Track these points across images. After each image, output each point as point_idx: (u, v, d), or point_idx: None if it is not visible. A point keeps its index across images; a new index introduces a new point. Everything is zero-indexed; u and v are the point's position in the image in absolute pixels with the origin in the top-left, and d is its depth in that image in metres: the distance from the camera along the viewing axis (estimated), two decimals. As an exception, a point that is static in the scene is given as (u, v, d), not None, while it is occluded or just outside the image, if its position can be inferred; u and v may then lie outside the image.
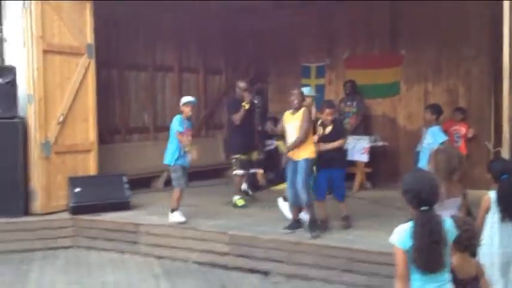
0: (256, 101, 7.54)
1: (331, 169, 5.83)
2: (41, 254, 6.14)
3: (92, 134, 7.16)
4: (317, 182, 5.96)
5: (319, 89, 9.95)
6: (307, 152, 5.61)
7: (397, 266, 2.76)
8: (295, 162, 5.60)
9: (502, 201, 4.01)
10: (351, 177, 8.07)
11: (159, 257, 5.99)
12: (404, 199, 2.85)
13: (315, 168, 5.90)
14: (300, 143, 5.56)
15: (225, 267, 5.69)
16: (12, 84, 6.52)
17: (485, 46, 8.22)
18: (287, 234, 5.65)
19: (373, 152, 8.31)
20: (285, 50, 10.10)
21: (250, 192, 7.58)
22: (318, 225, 5.58)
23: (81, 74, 6.98)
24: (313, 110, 6.48)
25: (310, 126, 5.69)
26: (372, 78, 9.34)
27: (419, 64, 8.99)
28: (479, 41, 8.38)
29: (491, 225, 4.07)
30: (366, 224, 6.12)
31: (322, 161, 5.86)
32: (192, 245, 5.90)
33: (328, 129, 5.87)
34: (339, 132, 5.93)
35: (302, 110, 5.65)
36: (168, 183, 8.52)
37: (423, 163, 5.87)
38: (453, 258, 2.91)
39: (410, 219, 2.81)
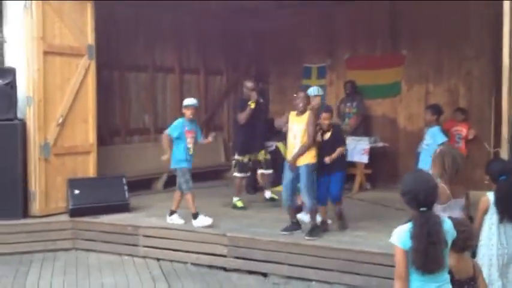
0: (261, 101, 7.44)
1: (331, 174, 5.79)
2: (40, 256, 6.14)
3: (92, 136, 7.14)
4: (318, 187, 5.91)
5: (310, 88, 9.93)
6: (308, 157, 5.58)
7: (397, 266, 2.77)
8: (296, 168, 5.57)
9: (500, 202, 4.00)
10: (350, 178, 8.06)
11: (158, 259, 5.99)
12: (403, 200, 2.86)
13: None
14: (306, 149, 5.53)
15: (224, 268, 5.68)
16: (12, 86, 6.52)
17: (486, 46, 8.19)
18: (285, 235, 5.63)
19: (373, 153, 8.29)
20: (285, 51, 10.09)
21: (271, 197, 7.37)
22: (318, 232, 5.56)
23: (81, 75, 6.98)
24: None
25: (315, 130, 5.66)
26: (372, 78, 9.32)
27: (420, 64, 8.96)
28: (480, 41, 8.35)
29: (490, 226, 4.06)
30: (366, 225, 6.10)
31: (322, 167, 5.82)
32: (191, 247, 5.90)
33: (327, 135, 5.80)
34: (338, 138, 5.85)
35: (307, 113, 5.61)
36: (168, 184, 8.55)
37: (423, 164, 5.86)
38: (450, 259, 2.90)
39: (410, 220, 2.81)
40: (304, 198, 5.57)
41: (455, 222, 3.01)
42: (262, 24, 9.93)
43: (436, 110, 6.42)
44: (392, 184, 8.16)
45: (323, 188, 5.82)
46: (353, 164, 8.04)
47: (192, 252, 5.87)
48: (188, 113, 6.20)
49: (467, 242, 3.08)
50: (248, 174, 7.54)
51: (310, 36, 9.83)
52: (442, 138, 5.98)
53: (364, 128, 8.94)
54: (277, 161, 7.48)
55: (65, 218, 6.59)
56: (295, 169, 5.58)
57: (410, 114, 9.11)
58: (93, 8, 7.04)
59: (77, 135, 6.99)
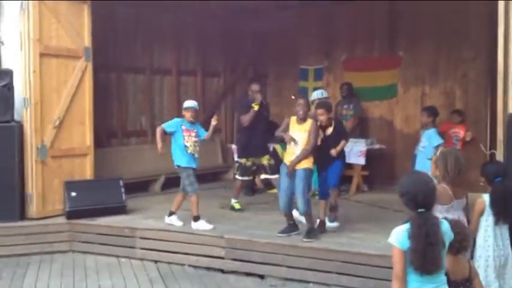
0: (264, 103, 7.39)
1: (332, 163, 5.85)
2: (37, 259, 6.13)
3: (89, 138, 7.14)
4: (319, 182, 6.01)
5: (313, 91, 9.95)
6: (307, 162, 5.60)
7: (395, 267, 2.78)
8: (294, 171, 5.58)
9: (495, 204, 4.02)
10: (347, 180, 8.07)
11: (156, 261, 5.98)
12: (401, 201, 2.88)
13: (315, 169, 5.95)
14: (305, 156, 5.55)
15: (222, 270, 5.68)
16: (9, 88, 6.51)
17: (483, 48, 8.22)
18: (282, 238, 5.64)
19: (369, 154, 8.31)
20: (284, 52, 10.10)
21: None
22: (315, 234, 5.57)
23: (78, 77, 6.97)
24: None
25: (317, 139, 5.67)
26: (369, 80, 9.34)
27: (417, 66, 8.99)
28: (477, 43, 8.38)
29: (486, 228, 4.09)
30: (363, 226, 6.11)
31: (321, 162, 5.87)
32: (189, 249, 5.89)
33: (329, 130, 5.85)
34: (340, 133, 5.91)
35: (310, 122, 5.61)
36: (165, 186, 8.56)
37: (420, 166, 5.89)
38: (446, 260, 2.92)
39: (406, 221, 2.83)
40: (299, 201, 5.57)
41: (451, 224, 3.03)
42: (260, 25, 9.94)
43: (432, 112, 6.44)
44: (389, 186, 8.21)
45: (323, 183, 5.90)
46: (350, 166, 8.05)
47: (190, 254, 5.86)
48: (188, 115, 6.20)
49: (462, 243, 3.10)
50: (250, 178, 7.53)
51: (309, 37, 9.84)
52: (438, 141, 6.00)
53: (361, 130, 8.96)
54: (275, 163, 7.47)
55: (61, 220, 6.57)
56: (292, 174, 5.59)
57: (406, 116, 9.14)
58: (90, 10, 7.04)
59: (73, 138, 6.98)
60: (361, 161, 8.16)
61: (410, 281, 2.79)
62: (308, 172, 5.58)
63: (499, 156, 4.79)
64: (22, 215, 6.49)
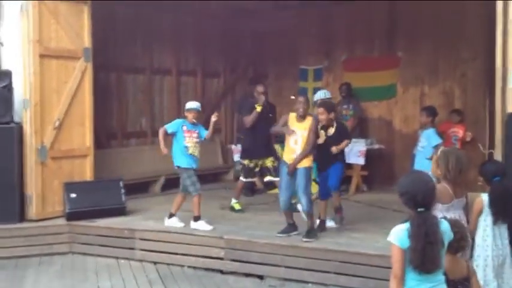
0: (265, 104, 7.37)
1: (330, 166, 5.87)
2: (36, 260, 6.14)
3: (89, 139, 7.14)
4: (319, 183, 6.03)
5: (317, 92, 9.94)
6: (307, 160, 5.62)
7: (394, 265, 2.79)
8: (295, 170, 5.60)
9: (494, 203, 4.02)
10: (347, 180, 8.07)
11: (155, 262, 5.99)
12: (401, 200, 2.88)
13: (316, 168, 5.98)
14: (305, 156, 5.56)
15: (221, 271, 5.69)
16: (9, 89, 6.52)
17: (482, 48, 8.22)
18: (281, 238, 5.65)
19: (369, 154, 8.31)
20: (283, 52, 10.11)
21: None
22: (315, 233, 5.57)
23: (77, 78, 6.97)
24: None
25: (316, 137, 5.69)
26: (369, 80, 9.34)
27: (416, 66, 8.99)
28: (476, 43, 8.38)
29: (484, 227, 4.09)
30: (362, 226, 6.12)
31: (321, 163, 5.89)
32: (188, 250, 5.89)
33: (331, 131, 5.86)
34: (342, 133, 5.91)
35: (310, 119, 5.62)
36: (165, 187, 8.57)
37: (419, 166, 5.88)
38: (445, 260, 2.92)
39: (406, 220, 2.84)
40: (301, 200, 5.58)
41: (450, 224, 3.03)
42: (260, 25, 9.94)
43: (431, 111, 6.44)
44: (389, 186, 8.21)
45: (323, 183, 5.92)
46: (349, 166, 8.05)
47: (189, 255, 5.87)
48: (190, 116, 6.19)
49: (460, 242, 3.11)
50: (254, 179, 7.52)
51: (309, 38, 9.85)
52: (437, 140, 5.99)
53: (360, 130, 8.97)
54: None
55: (61, 221, 6.58)
56: (293, 173, 5.60)
57: (406, 116, 9.14)
58: (90, 11, 7.05)
59: (73, 139, 6.99)
60: (361, 161, 8.16)
61: (408, 280, 2.80)
62: (308, 170, 5.62)
63: (498, 155, 4.79)
64: (22, 217, 6.49)
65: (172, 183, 8.51)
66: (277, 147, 8.13)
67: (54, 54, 6.73)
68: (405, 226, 2.80)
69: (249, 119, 7.10)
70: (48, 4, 6.63)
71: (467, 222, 3.98)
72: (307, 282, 5.29)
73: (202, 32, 9.83)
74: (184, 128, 6.17)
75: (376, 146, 8.66)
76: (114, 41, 8.68)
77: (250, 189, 8.24)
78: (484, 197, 4.08)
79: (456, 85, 8.72)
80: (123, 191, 6.85)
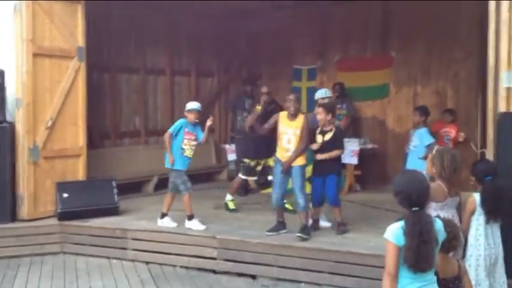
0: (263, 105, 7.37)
1: (325, 175, 5.80)
2: (28, 260, 6.10)
3: (82, 139, 7.11)
4: (313, 188, 5.97)
5: (311, 91, 9.96)
6: (301, 159, 5.63)
7: (388, 263, 2.80)
8: (286, 169, 5.61)
9: (486, 203, 4.04)
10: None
11: (147, 262, 5.97)
12: (396, 200, 2.90)
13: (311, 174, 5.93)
14: (299, 154, 5.56)
15: (214, 271, 5.68)
16: (1, 88, 6.47)
17: (474, 48, 8.26)
18: (271, 236, 5.65)
19: (362, 154, 8.32)
20: (277, 52, 10.11)
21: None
22: (308, 232, 5.57)
23: (71, 77, 6.94)
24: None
25: (309, 134, 5.68)
26: (362, 80, 9.36)
27: (409, 66, 9.02)
28: (468, 43, 8.42)
29: (477, 227, 4.10)
30: (355, 226, 6.12)
31: (317, 167, 5.86)
32: (180, 250, 5.88)
33: (328, 136, 5.81)
34: (337, 141, 5.82)
35: (302, 117, 5.61)
36: (158, 187, 8.54)
37: (411, 165, 5.89)
38: (437, 259, 2.93)
39: (400, 219, 2.85)
40: (298, 198, 5.58)
41: (443, 223, 3.04)
42: (254, 25, 9.94)
43: (424, 111, 6.46)
44: (382, 185, 8.23)
45: (316, 189, 5.86)
46: (343, 166, 8.04)
47: (182, 255, 5.85)
48: (192, 117, 6.16)
49: (452, 242, 3.11)
50: (254, 178, 7.50)
51: (302, 38, 9.86)
52: (430, 140, 6.01)
53: (353, 129, 8.98)
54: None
55: (53, 221, 6.54)
56: (287, 171, 5.62)
57: (399, 116, 9.16)
58: (84, 10, 7.03)
59: (66, 138, 6.96)
60: (354, 160, 8.16)
61: (401, 278, 2.81)
62: (303, 168, 5.64)
63: (489, 155, 4.80)
64: (13, 217, 6.45)
65: (165, 183, 8.39)
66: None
67: (47, 53, 6.70)
68: (400, 224, 2.82)
69: (249, 119, 7.13)
70: (42, 3, 6.60)
71: (460, 221, 4.00)
72: (300, 282, 5.29)
73: (196, 32, 9.82)
74: (186, 130, 6.14)
75: (370, 146, 8.67)
76: (108, 41, 8.66)
77: (243, 189, 8.23)
78: (477, 197, 4.09)
79: (449, 85, 8.76)
80: (115, 190, 6.83)
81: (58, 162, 6.86)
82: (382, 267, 3.14)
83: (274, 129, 5.87)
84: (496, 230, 4.11)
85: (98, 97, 8.38)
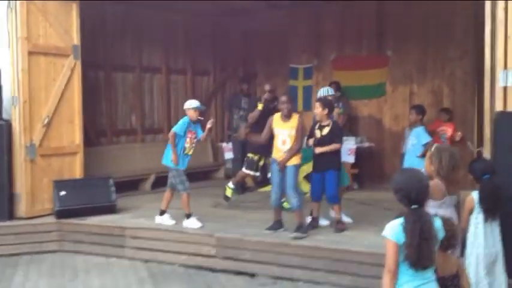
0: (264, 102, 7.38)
1: (324, 171, 5.83)
2: (26, 258, 6.10)
3: (78, 136, 7.11)
4: (312, 183, 6.01)
5: (307, 90, 9.99)
6: (297, 158, 5.66)
7: (388, 260, 2.81)
8: (282, 168, 5.64)
9: (484, 201, 4.06)
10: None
11: (146, 261, 5.97)
12: (395, 197, 2.92)
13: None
14: (294, 154, 5.59)
15: (212, 269, 5.68)
16: (-2, 86, 6.48)
17: (470, 47, 8.30)
18: (269, 234, 5.67)
19: (359, 152, 8.35)
20: (273, 51, 10.13)
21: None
22: (304, 230, 5.59)
23: (66, 75, 6.94)
24: (336, 109, 6.52)
25: (304, 133, 5.72)
26: (358, 79, 9.39)
27: (405, 65, 9.06)
28: (464, 42, 8.46)
29: (476, 225, 4.12)
30: (353, 224, 6.14)
31: (316, 162, 5.90)
32: (179, 248, 5.89)
33: (325, 130, 5.85)
34: (335, 135, 5.85)
35: (296, 117, 5.65)
36: (155, 185, 8.55)
37: (408, 163, 5.91)
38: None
39: (397, 216, 2.87)
40: (290, 197, 5.61)
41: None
42: (251, 24, 9.95)
43: (421, 110, 6.48)
44: (379, 184, 8.27)
45: (315, 185, 5.90)
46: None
47: (180, 253, 5.86)
48: (196, 114, 6.15)
49: (450, 241, 3.14)
50: (257, 174, 7.51)
51: (299, 37, 9.88)
52: (427, 138, 6.03)
53: (350, 128, 9.00)
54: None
55: (51, 219, 6.54)
56: (283, 170, 5.66)
57: (395, 114, 9.20)
58: (79, 8, 7.02)
59: (63, 136, 6.95)
60: (351, 159, 8.18)
61: (401, 276, 2.83)
62: (297, 168, 5.68)
63: (486, 153, 4.83)
64: (11, 215, 6.44)
65: (162, 181, 8.44)
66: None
67: (42, 51, 6.69)
68: (399, 221, 2.83)
69: (250, 117, 7.17)
70: (37, 2, 6.59)
71: (459, 219, 4.02)
72: (298, 280, 5.31)
73: (192, 30, 9.82)
74: (189, 128, 6.12)
75: (366, 144, 8.71)
76: (104, 39, 8.64)
77: (240, 187, 8.25)
78: (475, 195, 4.12)
79: (445, 84, 8.81)
80: (113, 188, 6.83)
81: (55, 160, 6.85)
82: (379, 266, 3.18)
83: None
84: (495, 228, 4.14)
85: (94, 95, 8.37)
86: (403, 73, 9.09)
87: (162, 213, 6.19)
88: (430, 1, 8.05)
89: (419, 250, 2.76)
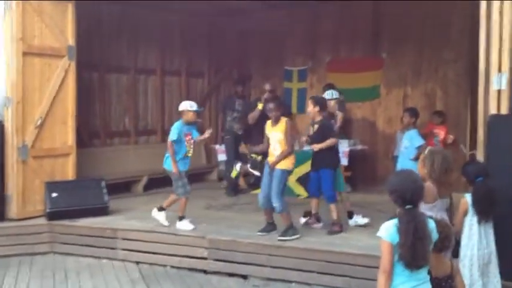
0: (264, 102, 7.40)
1: (319, 169, 5.88)
2: (17, 260, 6.04)
3: (71, 138, 7.06)
4: (309, 180, 6.10)
5: (301, 92, 9.99)
6: (286, 163, 5.66)
7: (383, 261, 2.83)
8: (272, 170, 5.65)
9: (478, 203, 4.08)
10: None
11: (138, 262, 5.94)
12: (390, 198, 2.95)
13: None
14: (284, 157, 5.61)
15: (204, 271, 5.67)
16: (-10, 87, 6.43)
17: (464, 50, 8.33)
18: (262, 236, 5.66)
19: (352, 155, 8.34)
20: (268, 53, 10.12)
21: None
22: (292, 233, 5.58)
23: (61, 76, 6.90)
24: (339, 114, 6.52)
25: (294, 137, 5.74)
26: (352, 82, 9.39)
27: (399, 67, 9.08)
28: (458, 45, 8.49)
29: (470, 227, 4.14)
30: (345, 226, 6.12)
31: (312, 160, 5.98)
32: (171, 250, 5.86)
33: (315, 128, 5.90)
34: (325, 131, 5.87)
35: (283, 121, 5.67)
36: (148, 187, 8.52)
37: (401, 166, 5.91)
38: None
39: (391, 218, 2.88)
40: (273, 201, 5.60)
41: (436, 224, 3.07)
42: (245, 25, 9.94)
43: (414, 112, 6.50)
44: (372, 186, 8.26)
45: (311, 182, 6.02)
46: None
47: (172, 255, 5.83)
48: (194, 116, 6.13)
49: (444, 242, 3.14)
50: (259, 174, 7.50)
51: (294, 38, 9.88)
52: (420, 141, 6.04)
53: (344, 130, 8.98)
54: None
55: (42, 221, 6.49)
56: (270, 168, 5.69)
57: (389, 117, 9.21)
58: (74, 9, 6.99)
59: (56, 137, 6.91)
60: (344, 161, 8.16)
61: (396, 277, 2.84)
62: (285, 173, 5.66)
63: (480, 156, 4.84)
64: (2, 216, 6.39)
65: (155, 183, 8.47)
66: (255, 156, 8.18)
67: (37, 52, 6.66)
68: (394, 222, 2.85)
69: (250, 117, 7.18)
70: (32, 2, 6.56)
71: (450, 222, 4.02)
72: (291, 282, 5.30)
73: (188, 31, 9.80)
74: (184, 131, 6.07)
75: (360, 147, 8.70)
76: (99, 40, 8.62)
77: (233, 189, 8.23)
78: (468, 198, 4.13)
79: (438, 87, 8.83)
80: (105, 190, 6.79)
81: (47, 161, 6.81)
82: (372, 267, 3.19)
83: None
84: (488, 229, 4.15)
85: (88, 96, 8.33)
86: (398, 75, 9.11)
87: (181, 219, 6.05)
88: (425, 3, 8.07)
89: (413, 250, 2.77)
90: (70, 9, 6.96)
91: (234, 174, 7.11)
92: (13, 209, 6.43)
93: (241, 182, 8.60)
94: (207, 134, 6.17)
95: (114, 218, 6.61)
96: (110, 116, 8.92)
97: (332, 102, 6.36)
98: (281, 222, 5.69)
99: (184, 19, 9.62)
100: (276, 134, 5.69)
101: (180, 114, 6.25)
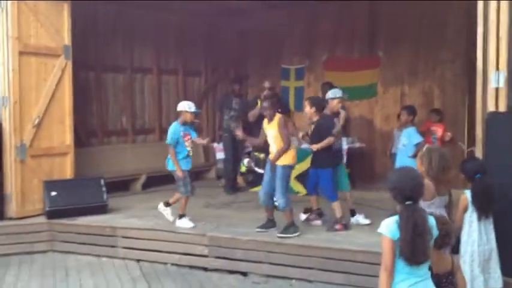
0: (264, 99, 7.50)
1: (317, 168, 5.93)
2: (17, 259, 6.05)
3: (69, 137, 7.07)
4: (308, 177, 6.16)
5: (298, 91, 10.02)
6: (286, 158, 5.68)
7: (384, 257, 2.85)
8: (272, 167, 5.68)
9: (477, 200, 4.12)
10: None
11: (138, 260, 5.95)
12: (390, 195, 2.97)
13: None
14: (282, 153, 5.63)
15: (204, 268, 5.68)
16: (-13, 87, 6.42)
17: (461, 48, 8.38)
18: (261, 233, 5.69)
19: (350, 153, 8.37)
20: (265, 51, 10.14)
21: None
22: (292, 230, 5.60)
23: (57, 75, 6.90)
24: (342, 112, 6.55)
25: (288, 133, 5.77)
26: (349, 80, 9.41)
27: (396, 66, 9.11)
28: (455, 44, 8.53)
29: (470, 223, 4.17)
30: (344, 223, 6.15)
31: (311, 159, 6.05)
32: (171, 248, 5.88)
33: (311, 128, 5.95)
34: (321, 130, 5.90)
35: (276, 118, 5.72)
36: (146, 186, 8.52)
37: (400, 163, 5.94)
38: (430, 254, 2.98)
39: (393, 214, 2.90)
40: (277, 197, 5.64)
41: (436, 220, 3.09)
42: (242, 24, 9.96)
43: (412, 110, 6.53)
44: (370, 184, 8.30)
45: (310, 179, 6.06)
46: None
47: (173, 252, 5.84)
48: (192, 117, 6.14)
49: (445, 239, 3.16)
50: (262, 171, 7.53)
51: (291, 37, 9.90)
52: (418, 139, 6.08)
53: (342, 128, 9.01)
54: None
55: (41, 220, 6.50)
56: (271, 166, 5.72)
57: (386, 115, 9.25)
58: (70, 8, 6.99)
59: (53, 137, 6.91)
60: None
61: (397, 274, 2.86)
62: (286, 169, 5.68)
63: (478, 153, 4.88)
64: (1, 215, 6.39)
65: (153, 181, 8.49)
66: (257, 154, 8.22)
67: (33, 51, 6.66)
68: (395, 218, 2.88)
69: (251, 114, 7.22)
70: (28, 2, 6.56)
71: (450, 220, 4.05)
72: (290, 279, 5.32)
73: (184, 30, 9.80)
74: (182, 132, 6.06)
75: (357, 145, 8.73)
76: (95, 40, 8.61)
77: (232, 187, 8.25)
78: (468, 194, 4.16)
79: (435, 85, 8.87)
80: (104, 189, 6.79)
81: (45, 160, 6.81)
82: (371, 264, 3.21)
83: None
84: (488, 226, 4.18)
85: (85, 95, 8.32)
86: (394, 74, 9.14)
87: (181, 217, 6.06)
88: (422, 2, 8.10)
89: (413, 245, 2.79)
90: (66, 8, 6.96)
91: (242, 169, 7.22)
92: (12, 208, 6.43)
93: (240, 180, 8.62)
94: (205, 142, 6.30)
95: (113, 216, 6.61)
96: (107, 115, 8.92)
97: (336, 101, 6.37)
98: (282, 219, 5.71)
99: (183, 19, 9.62)
100: (271, 132, 5.75)
101: (177, 114, 6.26)
